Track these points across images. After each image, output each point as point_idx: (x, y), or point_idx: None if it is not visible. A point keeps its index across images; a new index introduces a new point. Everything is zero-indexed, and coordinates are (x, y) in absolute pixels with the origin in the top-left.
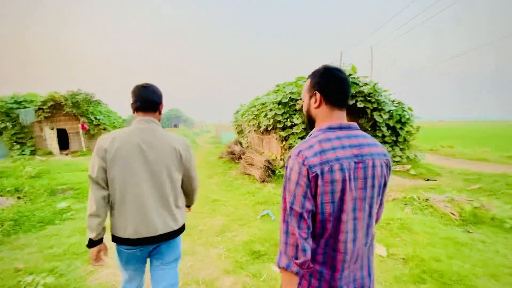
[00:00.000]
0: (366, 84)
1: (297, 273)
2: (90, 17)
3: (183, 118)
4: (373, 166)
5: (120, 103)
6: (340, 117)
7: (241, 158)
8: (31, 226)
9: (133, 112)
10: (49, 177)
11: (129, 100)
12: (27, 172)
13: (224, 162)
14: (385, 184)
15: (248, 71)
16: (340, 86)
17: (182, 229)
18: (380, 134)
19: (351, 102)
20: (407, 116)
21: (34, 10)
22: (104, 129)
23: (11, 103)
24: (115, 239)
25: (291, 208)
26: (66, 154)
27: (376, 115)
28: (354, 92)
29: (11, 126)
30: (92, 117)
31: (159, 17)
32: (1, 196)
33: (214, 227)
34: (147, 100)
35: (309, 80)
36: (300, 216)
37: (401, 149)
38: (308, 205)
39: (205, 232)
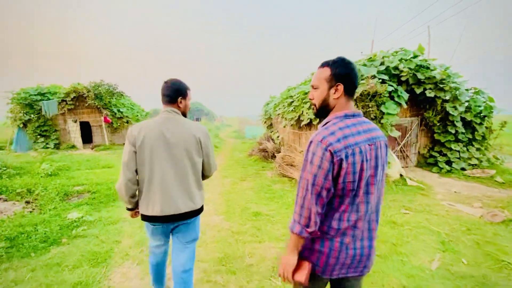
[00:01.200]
0: (435, 68)
1: (303, 236)
2: (92, 13)
3: (205, 111)
4: (380, 147)
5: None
6: (353, 105)
7: (275, 157)
8: (30, 248)
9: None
10: (67, 176)
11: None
12: (43, 170)
13: (255, 160)
14: (386, 161)
15: (248, 70)
16: (357, 79)
17: (201, 209)
18: (452, 131)
19: (418, 91)
20: (488, 109)
21: (39, 5)
22: (127, 122)
23: (35, 95)
24: (142, 217)
25: (312, 185)
26: (92, 148)
27: (449, 107)
28: (423, 77)
29: (35, 118)
30: (115, 110)
31: (160, 16)
32: (7, 200)
33: (265, 260)
34: (165, 94)
35: (328, 70)
36: (319, 194)
37: (478, 149)
38: (327, 185)
39: (255, 268)
